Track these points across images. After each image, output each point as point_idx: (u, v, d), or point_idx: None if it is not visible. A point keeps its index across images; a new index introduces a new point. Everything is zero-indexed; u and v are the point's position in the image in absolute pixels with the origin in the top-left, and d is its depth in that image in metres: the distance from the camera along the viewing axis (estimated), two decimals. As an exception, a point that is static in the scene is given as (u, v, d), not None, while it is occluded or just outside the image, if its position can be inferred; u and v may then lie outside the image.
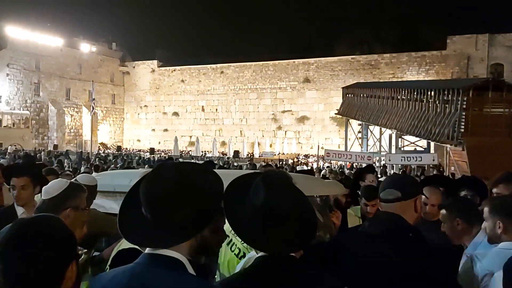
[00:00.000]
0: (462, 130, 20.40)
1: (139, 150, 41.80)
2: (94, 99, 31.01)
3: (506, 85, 21.91)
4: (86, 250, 2.40)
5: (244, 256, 2.32)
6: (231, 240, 2.39)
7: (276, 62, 42.90)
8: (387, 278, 1.84)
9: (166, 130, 47.16)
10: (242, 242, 2.32)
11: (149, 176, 1.41)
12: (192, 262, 1.40)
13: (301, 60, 41.90)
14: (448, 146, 21.51)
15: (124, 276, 1.36)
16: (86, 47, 45.59)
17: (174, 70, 47.32)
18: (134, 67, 49.15)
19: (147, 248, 1.40)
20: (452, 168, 20.88)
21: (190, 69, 46.62)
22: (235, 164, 14.27)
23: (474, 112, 20.86)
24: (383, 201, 2.08)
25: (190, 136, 45.24)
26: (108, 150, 42.34)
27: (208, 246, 1.59)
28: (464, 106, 20.79)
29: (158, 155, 33.30)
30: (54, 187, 2.24)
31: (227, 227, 2.22)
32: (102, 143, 45.34)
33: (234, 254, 2.36)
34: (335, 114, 36.90)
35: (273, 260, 1.49)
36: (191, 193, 1.37)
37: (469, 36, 35.30)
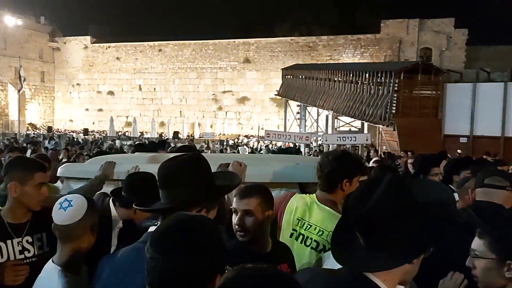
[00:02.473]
0: (394, 111, 21.34)
1: (72, 131, 39.83)
2: (25, 79, 28.66)
3: (434, 69, 23.15)
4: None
5: (324, 248, 2.25)
6: (302, 234, 2.33)
7: (216, 41, 42.21)
8: None
9: (100, 110, 45.20)
10: (320, 233, 2.29)
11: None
12: None
13: (241, 40, 41.57)
14: (381, 126, 22.45)
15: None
16: (11, 21, 42.08)
17: (108, 47, 45.17)
18: (65, 42, 46.28)
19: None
20: (384, 147, 21.88)
21: (126, 46, 44.70)
22: (172, 145, 13.89)
23: (404, 94, 21.86)
24: (490, 186, 1.98)
25: (127, 116, 43.72)
26: (37, 130, 39.94)
27: None
28: (396, 88, 21.72)
29: (93, 136, 31.95)
30: None
31: (287, 220, 2.38)
32: (31, 124, 42.62)
33: (312, 248, 2.29)
34: (275, 95, 37.23)
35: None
36: None
37: (401, 20, 36.67)
